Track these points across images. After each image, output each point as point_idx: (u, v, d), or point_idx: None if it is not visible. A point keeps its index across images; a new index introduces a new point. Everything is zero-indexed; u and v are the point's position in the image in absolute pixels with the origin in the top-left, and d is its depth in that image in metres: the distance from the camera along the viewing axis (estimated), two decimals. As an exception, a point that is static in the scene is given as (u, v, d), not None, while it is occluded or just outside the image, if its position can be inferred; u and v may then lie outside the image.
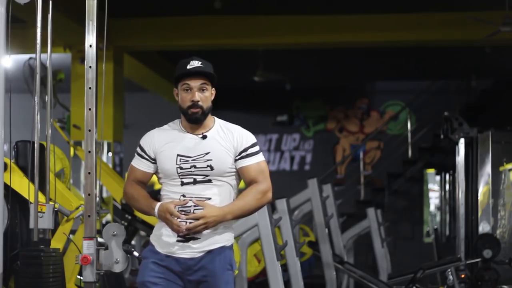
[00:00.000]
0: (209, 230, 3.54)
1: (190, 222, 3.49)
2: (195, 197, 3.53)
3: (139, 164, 3.67)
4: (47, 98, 4.29)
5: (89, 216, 3.82)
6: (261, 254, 5.55)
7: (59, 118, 10.13)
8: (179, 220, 3.50)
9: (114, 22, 7.55)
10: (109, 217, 8.83)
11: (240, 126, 3.71)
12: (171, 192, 3.59)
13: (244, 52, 11.92)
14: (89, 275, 3.76)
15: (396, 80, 15.05)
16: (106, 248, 3.77)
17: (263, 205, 3.68)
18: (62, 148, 5.23)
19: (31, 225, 4.20)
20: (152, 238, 3.66)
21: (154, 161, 3.64)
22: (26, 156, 4.57)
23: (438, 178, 14.73)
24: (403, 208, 14.45)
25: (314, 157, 15.27)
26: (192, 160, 3.56)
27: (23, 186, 4.45)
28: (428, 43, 11.08)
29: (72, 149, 7.15)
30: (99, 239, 3.83)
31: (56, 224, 4.59)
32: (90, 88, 3.85)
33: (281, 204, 5.86)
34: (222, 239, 3.59)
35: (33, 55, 4.52)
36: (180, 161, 3.57)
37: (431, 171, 14.84)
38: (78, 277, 4.69)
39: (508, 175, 8.36)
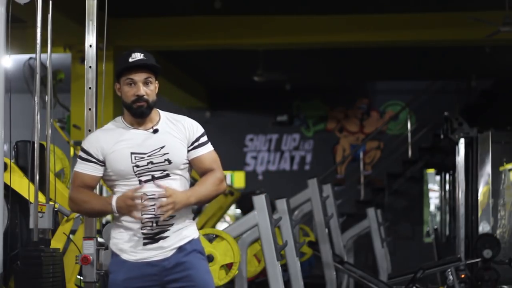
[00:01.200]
0: (175, 227, 3.43)
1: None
2: (157, 193, 3.38)
3: (84, 168, 3.46)
4: (47, 98, 4.30)
5: (89, 216, 3.82)
6: (261, 254, 5.54)
7: (59, 118, 10.13)
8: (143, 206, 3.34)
9: (114, 22, 7.53)
10: (109, 217, 8.82)
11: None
12: (129, 185, 3.42)
13: (244, 52, 11.92)
14: (89, 275, 3.76)
15: (396, 80, 15.05)
16: (106, 248, 3.77)
17: (220, 193, 3.57)
18: (62, 148, 5.23)
19: (31, 225, 4.20)
20: (114, 247, 3.47)
21: (102, 163, 3.46)
22: (26, 156, 4.57)
23: (438, 178, 14.72)
24: (403, 208, 14.45)
25: (314, 157, 15.27)
26: (147, 156, 3.43)
27: (23, 186, 4.45)
28: (428, 43, 11.08)
29: (72, 149, 7.16)
30: (99, 239, 3.83)
31: (56, 224, 4.59)
32: (90, 88, 3.86)
33: (281, 204, 5.86)
34: (189, 232, 3.50)
35: (33, 55, 4.52)
36: (135, 159, 3.42)
37: (431, 171, 14.84)
38: (78, 277, 4.69)
39: (508, 175, 8.36)
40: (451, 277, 7.25)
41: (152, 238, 3.42)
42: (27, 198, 4.27)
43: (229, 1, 9.64)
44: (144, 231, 3.42)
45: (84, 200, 3.44)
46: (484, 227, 8.32)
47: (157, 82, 3.55)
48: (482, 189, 8.42)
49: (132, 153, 3.44)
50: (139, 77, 3.48)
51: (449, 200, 13.68)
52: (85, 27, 3.88)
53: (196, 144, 3.51)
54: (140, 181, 3.41)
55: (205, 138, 3.55)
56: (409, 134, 14.35)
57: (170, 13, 10.43)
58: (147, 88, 3.48)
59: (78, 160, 3.50)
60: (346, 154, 15.14)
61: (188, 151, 3.51)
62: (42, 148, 4.29)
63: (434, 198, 15.12)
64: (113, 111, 10.22)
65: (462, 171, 8.46)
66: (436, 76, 14.34)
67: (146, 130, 3.50)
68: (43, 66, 4.60)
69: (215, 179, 3.51)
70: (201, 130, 3.56)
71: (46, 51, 4.24)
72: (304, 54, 12.51)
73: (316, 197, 7.24)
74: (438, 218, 14.77)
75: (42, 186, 4.29)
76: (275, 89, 14.17)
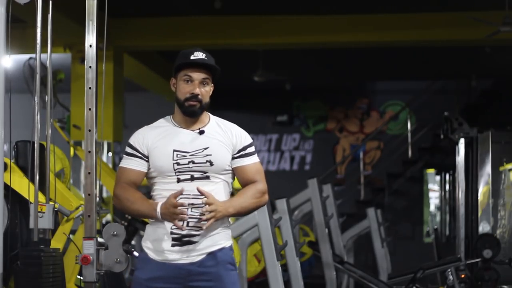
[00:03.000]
0: (206, 232, 3.38)
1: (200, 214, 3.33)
2: (200, 201, 3.34)
3: (130, 163, 3.47)
4: (47, 98, 4.29)
5: (89, 216, 3.82)
6: (261, 254, 5.55)
7: (59, 118, 10.12)
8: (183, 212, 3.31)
9: (114, 22, 7.55)
10: (109, 217, 8.83)
11: (241, 126, 3.60)
12: (166, 190, 3.39)
13: (244, 52, 11.93)
14: (89, 275, 3.76)
15: (396, 80, 15.06)
16: (106, 248, 3.76)
17: (261, 205, 3.53)
18: (62, 148, 5.23)
19: (31, 225, 4.20)
20: (145, 244, 3.49)
21: (146, 158, 3.46)
22: (26, 156, 4.56)
23: (438, 178, 14.74)
24: (403, 208, 14.45)
25: (314, 157, 15.28)
26: (190, 155, 3.40)
27: (23, 186, 4.45)
28: (428, 43, 11.09)
29: (72, 149, 7.15)
30: (99, 239, 3.82)
31: (56, 224, 4.59)
32: (90, 88, 3.85)
33: (281, 204, 5.86)
34: (221, 240, 3.43)
35: (33, 55, 4.51)
36: (177, 157, 3.40)
37: (431, 171, 14.85)
38: (78, 277, 4.68)
39: (508, 175, 8.36)
40: (451, 277, 7.25)
41: (179, 240, 3.39)
42: (27, 198, 4.26)
43: (229, 1, 9.64)
44: (174, 231, 3.39)
45: (130, 200, 3.42)
46: (484, 227, 8.32)
47: (213, 85, 3.53)
48: (482, 189, 8.42)
49: (174, 151, 3.42)
50: (197, 75, 3.46)
51: (449, 200, 13.70)
52: (85, 27, 3.87)
53: (242, 153, 3.47)
54: (178, 179, 3.39)
55: (252, 149, 3.51)
56: (409, 134, 14.35)
57: (170, 13, 10.43)
58: (203, 88, 3.47)
59: (124, 156, 3.50)
60: (346, 154, 15.15)
61: (233, 158, 3.46)
62: (42, 148, 4.28)
63: (434, 198, 15.13)
64: (113, 111, 10.23)
65: (462, 171, 8.46)
66: (436, 76, 14.35)
67: (193, 130, 3.47)
68: (43, 66, 4.59)
69: (256, 191, 3.46)
70: (249, 140, 3.51)
71: (46, 51, 4.23)
72: (304, 54, 12.52)
73: (316, 197, 7.24)
74: (438, 218, 14.78)
75: (42, 186, 4.29)
76: (275, 89, 14.18)
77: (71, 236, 4.72)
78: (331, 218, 7.64)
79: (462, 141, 8.45)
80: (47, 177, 4.28)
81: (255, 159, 3.51)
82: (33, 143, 4.23)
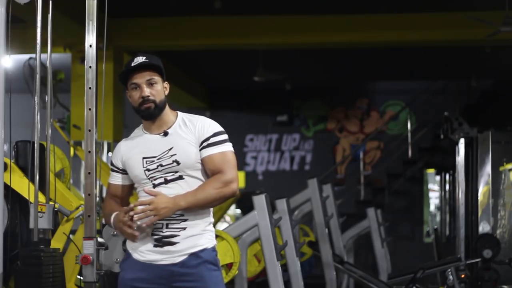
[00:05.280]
0: (187, 233, 3.40)
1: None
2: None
3: (111, 179, 3.60)
4: (47, 98, 4.29)
5: (89, 216, 3.82)
6: (261, 254, 5.54)
7: (59, 118, 10.12)
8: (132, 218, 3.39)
9: (114, 22, 7.53)
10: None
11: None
12: (144, 196, 3.44)
13: (244, 52, 11.92)
14: (89, 275, 3.76)
15: (396, 80, 15.05)
16: (106, 248, 3.76)
17: (225, 196, 3.44)
18: (62, 148, 5.23)
19: (31, 225, 4.20)
20: (129, 245, 3.52)
21: (123, 171, 3.54)
22: (26, 156, 4.56)
23: (438, 178, 14.73)
24: (403, 208, 14.45)
25: (314, 157, 15.28)
26: (157, 159, 3.43)
27: (23, 186, 4.45)
28: (428, 43, 11.09)
29: (72, 149, 7.15)
30: (99, 239, 3.83)
31: (56, 224, 4.59)
32: (90, 88, 3.85)
33: (281, 204, 5.85)
34: (203, 241, 3.45)
35: (33, 55, 4.52)
36: (146, 163, 3.44)
37: (431, 171, 14.85)
38: (78, 277, 4.68)
39: (508, 175, 8.37)
40: (451, 277, 7.25)
41: (160, 241, 3.42)
42: (27, 198, 4.26)
43: (229, 1, 9.64)
44: (155, 233, 3.43)
45: (105, 213, 3.57)
46: (484, 227, 8.32)
47: (166, 82, 3.57)
48: (482, 189, 8.43)
49: (143, 158, 3.47)
50: (141, 79, 3.49)
51: (449, 200, 13.68)
52: (85, 27, 3.88)
53: (205, 144, 3.45)
54: (154, 185, 3.42)
55: (219, 138, 3.46)
56: (409, 134, 14.36)
57: (170, 13, 10.43)
58: (151, 89, 3.49)
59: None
60: (346, 154, 15.15)
61: (199, 150, 3.45)
62: (42, 148, 4.29)
63: (434, 198, 15.12)
64: (113, 111, 10.22)
65: (462, 171, 8.46)
66: (436, 76, 14.35)
67: (158, 134, 3.50)
68: (43, 66, 4.60)
69: (217, 181, 3.41)
70: (214, 130, 3.47)
71: (46, 51, 4.23)
72: (304, 54, 12.51)
73: (316, 197, 7.24)
74: (438, 218, 14.78)
75: (42, 186, 4.29)
76: (275, 89, 14.17)
77: (71, 236, 4.72)
78: (331, 218, 7.63)
79: (462, 141, 8.45)
80: (47, 177, 4.28)
81: (222, 148, 3.46)
82: (33, 143, 4.23)
